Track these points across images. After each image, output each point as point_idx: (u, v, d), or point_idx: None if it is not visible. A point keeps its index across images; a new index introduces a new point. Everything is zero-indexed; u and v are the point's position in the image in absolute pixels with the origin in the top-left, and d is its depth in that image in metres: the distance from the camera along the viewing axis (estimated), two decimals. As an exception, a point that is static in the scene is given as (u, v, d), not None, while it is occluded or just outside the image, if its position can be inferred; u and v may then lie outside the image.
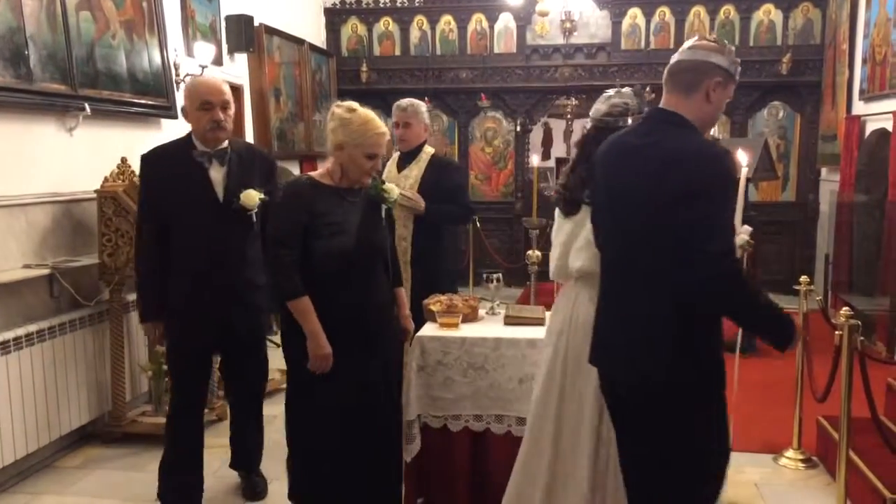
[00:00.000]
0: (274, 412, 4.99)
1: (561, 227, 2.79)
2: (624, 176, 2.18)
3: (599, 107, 2.74)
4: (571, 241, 2.70)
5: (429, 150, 4.21)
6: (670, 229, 2.02)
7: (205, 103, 3.09)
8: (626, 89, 2.80)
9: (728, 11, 8.31)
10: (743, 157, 2.87)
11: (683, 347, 2.07)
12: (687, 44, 2.25)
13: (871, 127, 6.50)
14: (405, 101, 4.15)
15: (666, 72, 2.24)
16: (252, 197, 3.16)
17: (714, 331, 2.14)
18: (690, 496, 2.17)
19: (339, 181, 2.85)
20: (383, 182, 3.03)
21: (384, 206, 3.00)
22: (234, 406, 3.66)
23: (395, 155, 4.25)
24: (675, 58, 2.24)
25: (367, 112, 2.82)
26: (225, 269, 3.17)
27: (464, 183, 4.76)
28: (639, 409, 2.18)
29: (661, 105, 2.23)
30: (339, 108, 2.82)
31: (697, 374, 2.10)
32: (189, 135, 3.21)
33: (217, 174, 3.17)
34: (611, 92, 2.78)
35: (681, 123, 2.14)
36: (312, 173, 2.93)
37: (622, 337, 2.19)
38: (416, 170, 4.13)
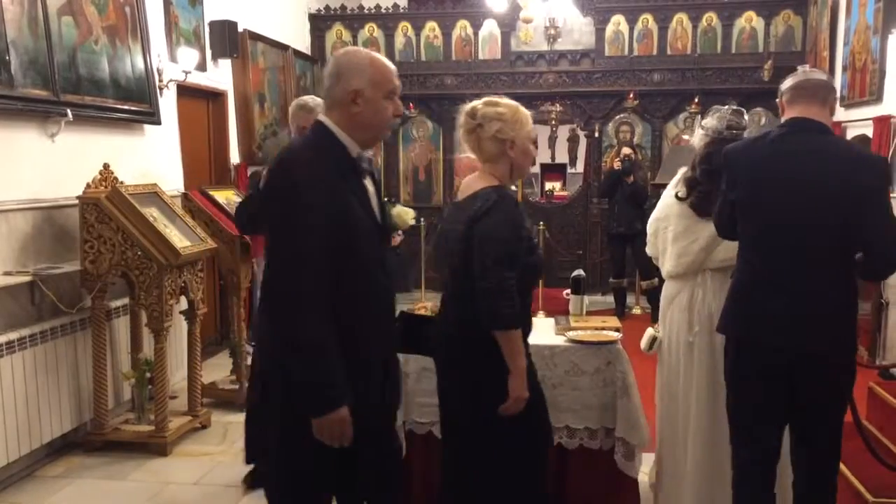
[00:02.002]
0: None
1: (695, 228, 3.05)
2: (807, 175, 2.48)
3: (716, 123, 3.08)
4: (718, 238, 2.92)
5: None
6: (859, 218, 2.42)
7: (394, 90, 2.23)
8: (735, 107, 3.16)
9: (710, 19, 8.38)
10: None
11: (853, 320, 2.57)
12: (802, 69, 2.79)
13: (851, 133, 6.56)
14: (310, 100, 3.51)
15: (797, 88, 2.60)
16: (409, 214, 2.54)
17: None
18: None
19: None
20: None
21: None
22: None
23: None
24: (799, 78, 2.63)
25: (504, 98, 2.60)
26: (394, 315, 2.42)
27: None
28: (825, 372, 2.52)
29: (801, 116, 2.56)
30: (486, 107, 2.52)
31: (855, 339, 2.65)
32: (326, 132, 2.20)
33: (370, 187, 2.29)
34: (723, 109, 3.14)
35: (831, 132, 2.60)
36: (491, 182, 2.52)
37: (810, 314, 2.49)
38: None
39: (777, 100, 2.69)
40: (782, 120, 2.63)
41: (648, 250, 3.35)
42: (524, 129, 2.54)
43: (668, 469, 3.18)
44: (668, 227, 3.16)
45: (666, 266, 3.18)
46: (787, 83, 2.64)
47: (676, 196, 3.13)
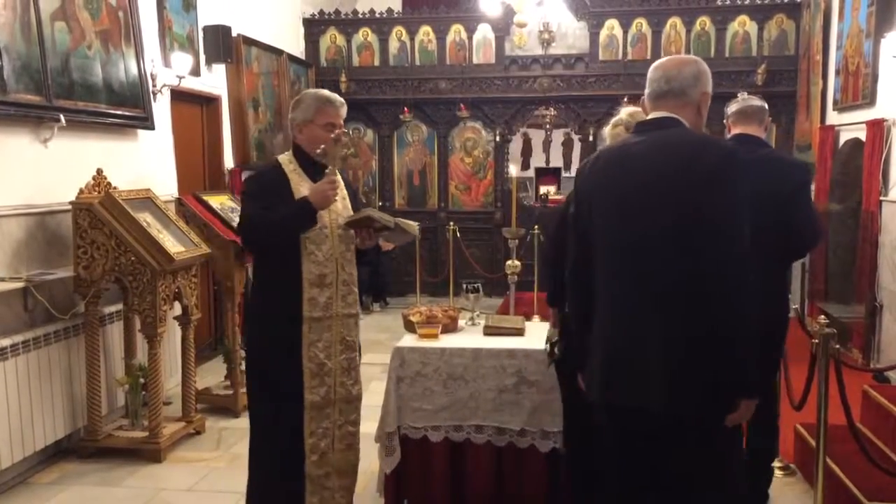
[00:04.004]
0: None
1: None
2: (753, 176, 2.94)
3: None
4: None
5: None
6: (792, 209, 3.09)
7: None
8: None
9: (704, 23, 8.40)
10: None
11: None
12: (742, 95, 3.46)
13: (844, 136, 6.58)
14: (336, 95, 3.09)
15: (739, 113, 3.35)
16: None
17: None
18: None
19: None
20: None
21: None
22: None
23: (293, 166, 3.02)
24: (741, 104, 3.35)
25: None
26: None
27: None
28: None
29: (744, 133, 3.30)
30: None
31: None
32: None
33: None
34: None
35: (768, 144, 3.40)
36: None
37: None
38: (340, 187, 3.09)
39: (724, 120, 3.44)
40: (728, 136, 3.36)
41: None
42: None
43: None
44: None
45: None
46: (731, 108, 3.37)
47: None
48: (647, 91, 2.37)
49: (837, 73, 6.73)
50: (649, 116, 2.32)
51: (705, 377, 2.12)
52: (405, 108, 8.85)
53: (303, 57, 8.77)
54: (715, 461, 2.23)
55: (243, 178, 3.11)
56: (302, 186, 2.94)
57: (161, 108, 5.65)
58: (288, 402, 2.94)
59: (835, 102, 6.79)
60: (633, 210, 2.20)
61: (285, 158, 3.04)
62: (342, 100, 3.08)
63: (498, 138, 9.07)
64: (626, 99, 8.48)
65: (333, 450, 3.02)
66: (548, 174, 12.40)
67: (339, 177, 3.02)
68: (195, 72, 6.18)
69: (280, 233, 2.92)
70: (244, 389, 5.13)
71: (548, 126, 11.85)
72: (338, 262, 2.99)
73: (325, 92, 3.07)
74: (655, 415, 2.17)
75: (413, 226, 3.09)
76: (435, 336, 3.35)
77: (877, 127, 5.69)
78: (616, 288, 2.25)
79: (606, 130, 3.15)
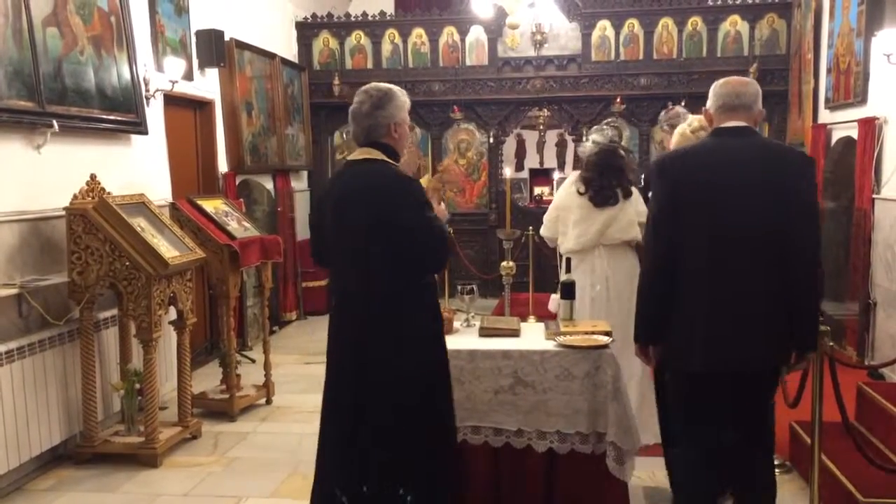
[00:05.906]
0: (246, 428, 4.94)
1: (592, 215, 4.12)
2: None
3: (602, 138, 4.17)
4: (610, 223, 4.11)
5: None
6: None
7: None
8: (612, 126, 4.34)
9: (695, 23, 8.43)
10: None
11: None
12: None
13: (836, 135, 6.61)
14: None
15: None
16: None
17: None
18: None
19: None
20: None
21: None
22: None
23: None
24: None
25: None
26: None
27: None
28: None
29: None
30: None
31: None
32: None
33: None
34: (604, 127, 4.26)
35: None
36: None
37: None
38: None
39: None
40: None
41: (545, 232, 4.32)
42: None
43: None
44: (570, 214, 4.18)
45: (567, 244, 4.19)
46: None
47: (578, 191, 4.17)
48: (716, 104, 2.77)
49: (829, 71, 6.76)
50: (728, 124, 2.72)
51: (787, 334, 2.65)
52: (398, 111, 8.83)
53: (296, 60, 8.77)
54: (769, 399, 2.85)
55: (406, 186, 2.75)
56: None
57: (154, 113, 5.64)
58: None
59: (826, 101, 6.82)
60: (745, 197, 2.62)
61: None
62: None
63: (491, 140, 9.08)
64: (618, 99, 8.53)
65: None
66: (542, 175, 12.40)
67: None
68: (188, 76, 6.17)
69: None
70: (240, 393, 5.16)
71: (541, 127, 11.88)
72: None
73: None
74: (742, 373, 2.69)
75: None
76: (430, 338, 3.35)
77: (868, 125, 5.71)
78: (724, 263, 2.63)
79: (684, 130, 3.71)
